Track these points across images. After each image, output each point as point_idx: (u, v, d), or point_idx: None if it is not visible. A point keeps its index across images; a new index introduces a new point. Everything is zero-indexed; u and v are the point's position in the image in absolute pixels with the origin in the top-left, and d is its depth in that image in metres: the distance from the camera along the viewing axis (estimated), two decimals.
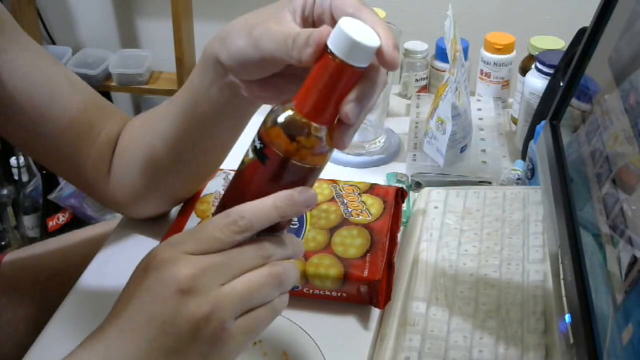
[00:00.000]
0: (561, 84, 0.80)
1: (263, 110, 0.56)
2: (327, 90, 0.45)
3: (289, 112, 0.45)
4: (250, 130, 0.67)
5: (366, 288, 0.67)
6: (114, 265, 0.75)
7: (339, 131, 0.46)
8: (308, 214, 0.74)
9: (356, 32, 0.43)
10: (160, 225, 0.78)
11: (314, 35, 0.46)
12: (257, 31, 0.51)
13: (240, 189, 0.48)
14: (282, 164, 0.46)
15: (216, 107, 0.61)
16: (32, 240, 1.90)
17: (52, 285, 0.81)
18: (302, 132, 0.45)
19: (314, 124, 0.45)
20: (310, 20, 0.52)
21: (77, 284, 0.73)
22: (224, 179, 0.80)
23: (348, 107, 0.45)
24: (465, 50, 0.98)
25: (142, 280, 0.45)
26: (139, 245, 0.76)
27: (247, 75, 0.55)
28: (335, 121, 0.46)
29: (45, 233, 1.87)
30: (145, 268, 0.45)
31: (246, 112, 0.64)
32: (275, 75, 0.54)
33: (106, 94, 2.05)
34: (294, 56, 0.48)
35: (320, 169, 0.48)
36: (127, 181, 0.72)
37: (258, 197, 0.46)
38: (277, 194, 0.46)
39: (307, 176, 0.47)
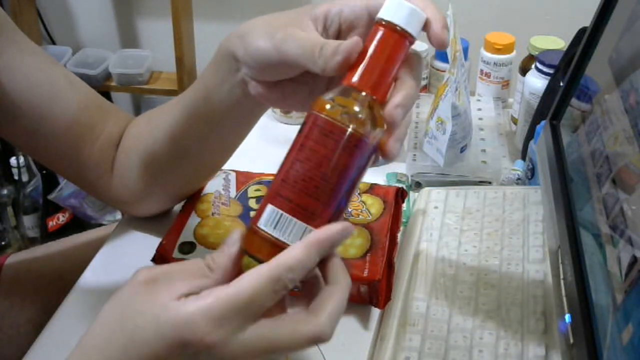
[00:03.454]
0: (561, 84, 0.80)
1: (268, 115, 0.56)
2: (382, 61, 0.47)
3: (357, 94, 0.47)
4: (255, 132, 0.67)
5: (366, 288, 0.67)
6: (114, 264, 0.75)
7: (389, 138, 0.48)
8: None
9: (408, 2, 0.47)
10: (161, 223, 0.78)
11: (345, 45, 0.48)
12: (280, 34, 0.52)
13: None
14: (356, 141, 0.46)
15: (225, 105, 0.61)
16: (32, 240, 1.90)
17: (54, 289, 0.80)
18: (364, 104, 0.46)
19: (372, 96, 0.47)
20: (331, 31, 0.52)
21: (78, 283, 0.73)
22: (224, 179, 0.80)
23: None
24: (465, 50, 0.98)
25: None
26: (140, 245, 0.76)
27: (261, 75, 0.55)
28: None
29: (45, 233, 1.87)
30: (183, 345, 0.42)
31: (253, 114, 0.64)
32: (285, 80, 0.55)
33: (106, 94, 2.05)
34: (319, 64, 0.49)
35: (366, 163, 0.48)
36: (130, 180, 0.72)
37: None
38: (320, 240, 0.44)
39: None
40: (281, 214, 0.45)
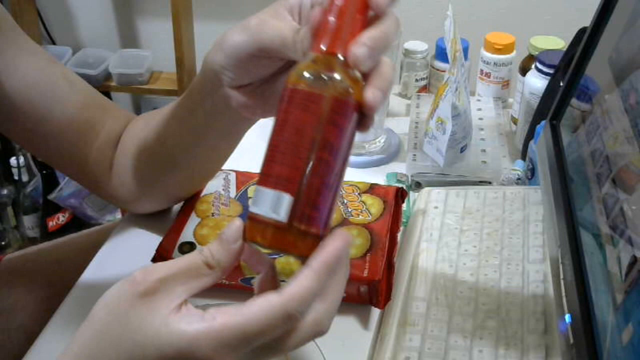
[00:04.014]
0: (561, 84, 0.80)
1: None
2: (343, 20, 0.45)
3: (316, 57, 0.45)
4: (255, 132, 0.67)
5: (366, 288, 0.67)
6: (114, 264, 0.75)
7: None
8: None
9: None
10: (161, 223, 0.78)
11: (310, 25, 0.47)
12: (253, 23, 0.52)
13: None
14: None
15: (209, 119, 0.62)
16: (32, 240, 1.90)
17: (45, 296, 0.80)
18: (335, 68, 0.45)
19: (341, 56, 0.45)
20: (305, 18, 0.52)
21: (78, 283, 0.73)
22: (224, 179, 0.80)
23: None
24: (465, 50, 0.98)
25: None
26: (140, 245, 0.76)
27: (240, 75, 0.55)
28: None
29: (45, 233, 1.87)
30: None
31: (237, 129, 0.64)
32: (263, 84, 0.55)
33: (106, 94, 2.05)
34: (299, 49, 0.49)
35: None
36: (128, 180, 0.73)
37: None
38: (327, 261, 0.43)
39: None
40: (257, 189, 0.44)
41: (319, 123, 0.44)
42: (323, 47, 0.46)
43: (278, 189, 0.44)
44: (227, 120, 0.61)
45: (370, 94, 0.44)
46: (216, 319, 0.41)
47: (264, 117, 0.58)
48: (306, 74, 0.44)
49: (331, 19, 0.46)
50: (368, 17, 0.47)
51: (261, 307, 0.41)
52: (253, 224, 0.44)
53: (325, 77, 0.44)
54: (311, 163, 0.44)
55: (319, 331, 0.44)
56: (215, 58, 0.55)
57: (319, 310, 0.44)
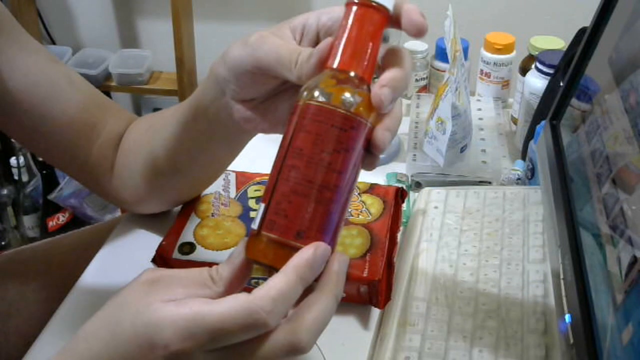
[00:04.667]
0: (561, 84, 0.80)
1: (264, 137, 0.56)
2: (360, 37, 0.46)
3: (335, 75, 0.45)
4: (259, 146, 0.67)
5: (366, 288, 0.67)
6: (114, 266, 0.75)
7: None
8: None
9: None
10: (161, 224, 0.78)
11: (318, 47, 0.47)
12: (253, 39, 0.52)
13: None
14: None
15: (212, 127, 0.62)
16: (32, 241, 1.90)
17: (40, 298, 0.80)
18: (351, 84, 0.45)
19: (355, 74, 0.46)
20: (309, 38, 0.52)
21: (77, 284, 0.73)
22: (224, 179, 0.80)
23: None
24: (465, 50, 0.98)
25: None
26: (140, 246, 0.76)
27: (241, 89, 0.55)
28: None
29: (45, 233, 1.87)
30: (151, 347, 0.42)
31: (240, 138, 0.64)
32: (266, 100, 0.56)
33: (106, 94, 2.04)
34: (295, 73, 0.49)
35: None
36: (129, 182, 0.73)
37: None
38: (296, 263, 0.43)
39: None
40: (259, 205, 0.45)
41: (291, 130, 0.44)
42: (338, 63, 0.46)
43: (261, 200, 0.45)
44: (230, 129, 0.61)
45: (379, 134, 0.45)
46: (187, 305, 0.42)
47: (265, 132, 0.58)
48: (303, 91, 0.45)
49: (347, 35, 0.46)
50: (382, 38, 0.47)
51: (227, 301, 0.42)
52: (250, 238, 0.45)
53: (308, 89, 0.45)
54: (280, 170, 0.44)
55: (295, 343, 0.42)
56: (219, 70, 0.56)
57: (295, 320, 0.43)
